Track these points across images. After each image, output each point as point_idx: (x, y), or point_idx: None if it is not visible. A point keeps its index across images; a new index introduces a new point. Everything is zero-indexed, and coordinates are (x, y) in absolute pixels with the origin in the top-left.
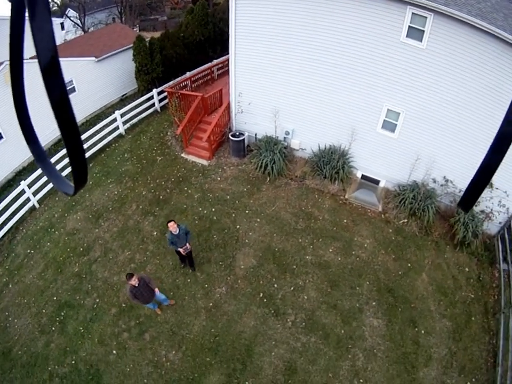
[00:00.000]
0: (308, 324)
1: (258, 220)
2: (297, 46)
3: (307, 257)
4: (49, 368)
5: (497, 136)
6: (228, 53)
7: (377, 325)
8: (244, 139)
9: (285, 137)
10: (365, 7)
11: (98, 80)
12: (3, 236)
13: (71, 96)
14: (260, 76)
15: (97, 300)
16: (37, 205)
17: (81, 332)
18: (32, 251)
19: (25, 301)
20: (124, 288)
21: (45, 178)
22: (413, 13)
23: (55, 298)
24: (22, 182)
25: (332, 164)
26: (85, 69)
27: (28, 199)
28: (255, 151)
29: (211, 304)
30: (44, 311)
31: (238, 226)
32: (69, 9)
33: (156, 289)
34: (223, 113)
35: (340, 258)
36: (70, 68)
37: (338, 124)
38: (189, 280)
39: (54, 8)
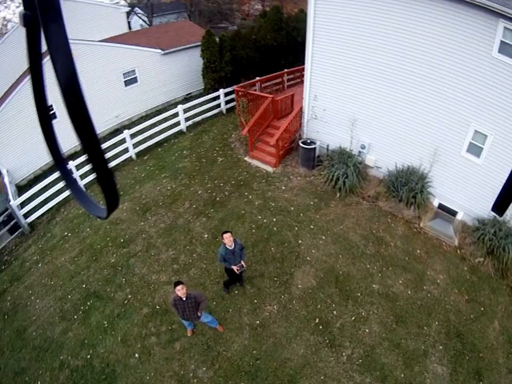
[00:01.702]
0: (365, 361)
1: (324, 237)
2: (379, 51)
3: (374, 285)
4: (61, 357)
5: None
6: (300, 64)
7: (441, 373)
8: (315, 148)
9: (359, 152)
10: (455, 14)
11: (162, 74)
12: (42, 215)
13: (132, 86)
14: (337, 80)
15: (129, 296)
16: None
17: (104, 326)
18: (70, 234)
19: (52, 283)
20: (161, 289)
21: None
22: (505, 27)
23: (84, 285)
24: (70, 162)
25: (410, 186)
26: (149, 60)
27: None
28: (326, 162)
29: (258, 322)
30: (69, 296)
31: (300, 241)
32: (136, 8)
33: (200, 313)
34: (293, 118)
35: (409, 292)
36: (134, 57)
37: (419, 142)
38: (236, 291)
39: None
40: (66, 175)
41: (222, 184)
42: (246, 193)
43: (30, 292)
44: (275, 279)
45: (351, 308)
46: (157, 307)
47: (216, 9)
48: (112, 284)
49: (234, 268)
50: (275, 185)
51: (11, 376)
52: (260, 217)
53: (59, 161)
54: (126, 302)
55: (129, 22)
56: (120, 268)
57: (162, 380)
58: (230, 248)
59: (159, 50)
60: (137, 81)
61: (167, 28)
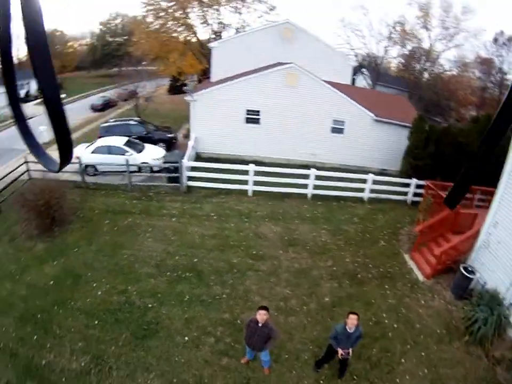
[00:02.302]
0: None
1: (426, 370)
2: None
3: None
4: (129, 288)
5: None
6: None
7: None
8: (472, 279)
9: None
10: None
11: (367, 139)
12: (203, 188)
13: (336, 135)
14: None
15: (224, 296)
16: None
17: (183, 298)
18: (215, 217)
19: (173, 238)
20: (254, 312)
21: None
22: None
23: (195, 260)
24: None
25: None
26: (360, 120)
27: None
28: (474, 300)
29: None
30: (176, 257)
31: (402, 361)
32: (364, 69)
33: (267, 347)
34: (467, 239)
35: None
36: (348, 109)
37: None
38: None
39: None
40: (24, 127)
41: (370, 266)
42: (386, 286)
43: (150, 230)
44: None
45: None
46: (238, 321)
47: (435, 101)
48: (219, 276)
49: (340, 351)
50: (416, 295)
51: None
52: (384, 315)
53: (16, 111)
54: (217, 297)
55: (354, 79)
56: (236, 271)
57: (184, 370)
58: (349, 330)
59: (372, 115)
60: (343, 132)
61: (382, 96)
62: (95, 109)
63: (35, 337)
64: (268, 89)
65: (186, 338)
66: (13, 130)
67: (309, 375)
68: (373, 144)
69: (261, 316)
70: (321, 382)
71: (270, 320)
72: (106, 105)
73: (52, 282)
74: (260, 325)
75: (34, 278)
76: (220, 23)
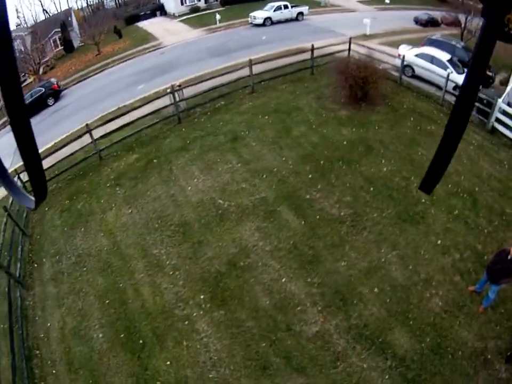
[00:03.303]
0: None
1: None
2: None
3: None
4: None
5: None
6: None
7: None
8: None
9: None
10: None
11: None
12: None
13: None
14: None
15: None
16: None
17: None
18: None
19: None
20: None
21: None
22: None
23: None
24: None
25: None
26: None
27: None
28: None
29: None
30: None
31: None
32: None
33: (498, 287)
34: None
35: None
36: None
37: None
38: None
39: None
40: None
41: None
42: None
43: None
44: None
45: None
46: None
47: None
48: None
49: None
50: None
51: None
52: None
53: None
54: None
55: None
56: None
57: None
58: None
59: None
60: None
61: None
62: (418, 22)
63: (310, 175)
64: None
65: (439, 242)
66: None
67: None
68: None
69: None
70: None
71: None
72: (429, 23)
73: (345, 142)
74: (509, 257)
75: (330, 133)
76: None
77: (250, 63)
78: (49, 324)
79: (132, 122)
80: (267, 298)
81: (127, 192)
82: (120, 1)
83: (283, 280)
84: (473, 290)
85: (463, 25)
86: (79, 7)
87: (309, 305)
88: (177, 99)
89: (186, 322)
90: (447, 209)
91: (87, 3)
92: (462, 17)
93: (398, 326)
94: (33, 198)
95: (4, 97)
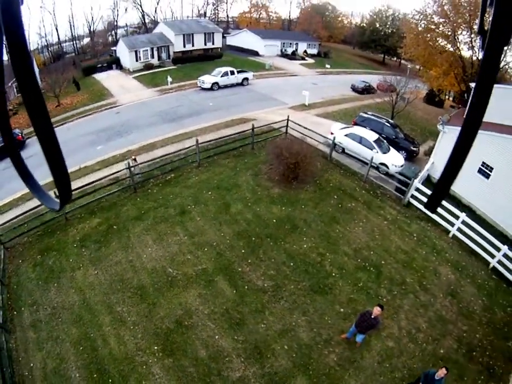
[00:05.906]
0: None
1: None
2: None
3: None
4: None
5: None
6: None
7: None
8: None
9: None
10: None
11: None
12: None
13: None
14: None
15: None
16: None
17: (360, 285)
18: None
19: (377, 236)
20: None
21: None
22: None
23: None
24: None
25: None
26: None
27: None
28: None
29: None
30: (370, 253)
31: None
32: None
33: (368, 332)
34: None
35: None
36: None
37: None
38: None
39: None
40: (21, 167)
41: None
42: None
43: (364, 221)
44: None
45: None
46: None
47: None
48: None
49: None
50: None
51: None
52: None
53: (14, 152)
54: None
55: None
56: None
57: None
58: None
59: None
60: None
61: None
62: (355, 90)
63: (243, 250)
64: None
65: (342, 310)
66: None
67: None
68: None
69: (378, 313)
70: None
71: (380, 316)
72: (366, 90)
73: (274, 220)
74: (372, 316)
75: (263, 211)
76: None
77: (197, 143)
78: (32, 364)
79: (92, 183)
80: (204, 351)
81: (92, 254)
82: (78, 48)
83: (216, 337)
84: (345, 337)
85: (394, 98)
86: (39, 50)
87: (234, 357)
88: (134, 172)
89: (144, 367)
90: (353, 282)
91: (47, 46)
92: (398, 83)
93: (300, 375)
94: (57, 200)
95: (26, 104)
